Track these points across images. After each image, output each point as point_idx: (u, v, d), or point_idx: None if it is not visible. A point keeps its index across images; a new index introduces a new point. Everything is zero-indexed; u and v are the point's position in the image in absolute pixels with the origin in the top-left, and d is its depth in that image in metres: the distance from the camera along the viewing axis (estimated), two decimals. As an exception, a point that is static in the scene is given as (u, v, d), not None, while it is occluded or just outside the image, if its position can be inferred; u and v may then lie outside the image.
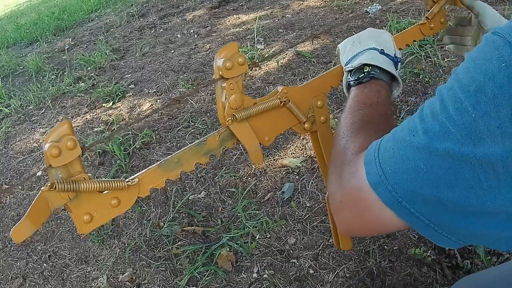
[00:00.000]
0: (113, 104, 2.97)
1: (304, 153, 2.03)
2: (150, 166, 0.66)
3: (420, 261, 1.44)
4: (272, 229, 1.69)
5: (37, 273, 1.83)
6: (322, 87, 0.81)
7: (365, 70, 0.75)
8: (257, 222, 1.72)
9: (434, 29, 0.96)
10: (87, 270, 1.77)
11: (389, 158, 0.48)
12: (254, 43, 3.26)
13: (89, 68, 3.75)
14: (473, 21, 0.96)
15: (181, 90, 2.90)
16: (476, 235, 0.46)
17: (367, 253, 1.50)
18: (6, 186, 2.43)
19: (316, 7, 3.83)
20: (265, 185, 1.92)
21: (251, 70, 0.80)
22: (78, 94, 3.26)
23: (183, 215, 1.88)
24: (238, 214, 1.79)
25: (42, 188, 0.55)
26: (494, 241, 0.47)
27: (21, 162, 2.61)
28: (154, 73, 3.29)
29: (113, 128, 2.63)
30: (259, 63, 0.75)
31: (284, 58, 2.92)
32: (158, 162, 0.66)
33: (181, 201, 1.93)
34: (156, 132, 2.47)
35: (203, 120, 2.46)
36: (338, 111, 2.26)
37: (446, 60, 2.45)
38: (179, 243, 1.74)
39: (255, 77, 2.77)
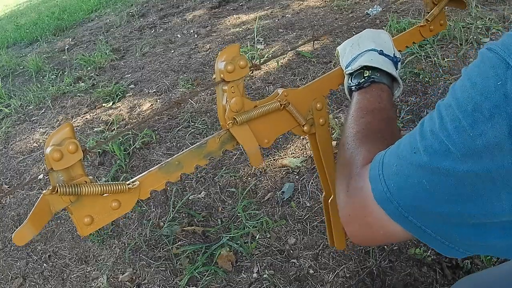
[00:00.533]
0: (113, 104, 2.97)
1: (304, 153, 2.03)
2: (151, 169, 0.66)
3: (420, 261, 1.44)
4: (272, 229, 1.69)
5: (37, 273, 1.83)
6: (321, 90, 0.81)
7: (365, 75, 0.75)
8: (257, 222, 1.73)
9: (434, 31, 0.96)
10: (87, 270, 1.77)
11: (393, 174, 0.50)
12: (254, 43, 3.26)
13: (89, 68, 3.75)
14: None
15: (181, 90, 2.90)
16: (482, 245, 0.47)
17: (367, 253, 1.51)
18: (6, 186, 2.43)
19: (316, 7, 3.83)
20: (265, 185, 1.92)
21: (252, 73, 0.80)
22: (78, 94, 3.27)
23: (183, 215, 1.88)
24: (238, 214, 1.79)
25: (44, 191, 0.56)
26: (500, 250, 0.48)
27: (21, 162, 2.61)
28: (154, 73, 3.30)
29: (113, 128, 2.63)
30: (260, 66, 0.75)
31: (284, 58, 2.92)
32: (159, 165, 0.67)
33: (181, 201, 1.93)
34: (156, 132, 2.47)
35: (203, 120, 2.47)
36: (338, 111, 2.26)
37: (446, 60, 2.45)
38: (179, 243, 1.74)
39: (255, 77, 2.78)
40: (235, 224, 1.77)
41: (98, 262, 1.79)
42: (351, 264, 1.49)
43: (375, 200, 0.51)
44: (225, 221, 1.80)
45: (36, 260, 1.89)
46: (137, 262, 1.72)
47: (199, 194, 1.97)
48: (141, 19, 5.01)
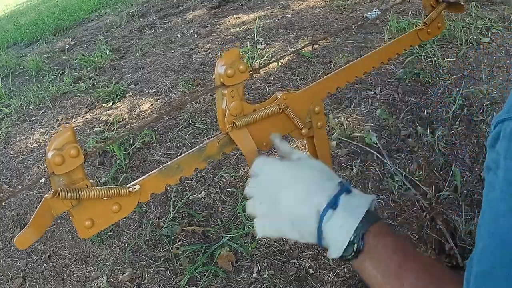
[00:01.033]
0: (113, 104, 2.98)
1: (304, 153, 2.04)
2: (151, 172, 0.67)
3: (419, 262, 1.45)
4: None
5: (37, 273, 1.84)
6: (319, 93, 0.81)
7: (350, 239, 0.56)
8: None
9: (432, 34, 0.97)
10: (87, 270, 1.78)
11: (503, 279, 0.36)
12: (254, 43, 3.26)
13: (89, 68, 3.75)
14: None
15: (181, 90, 2.90)
16: None
17: (366, 253, 1.51)
18: (6, 186, 2.44)
19: (316, 7, 3.83)
20: (265, 185, 1.92)
21: (252, 77, 0.80)
22: (78, 94, 3.27)
23: (183, 215, 1.89)
24: (238, 214, 1.80)
25: (45, 195, 0.56)
26: None
27: (21, 162, 2.61)
28: (154, 73, 3.30)
29: (113, 128, 2.64)
30: (259, 70, 0.76)
31: (284, 58, 2.92)
32: (159, 168, 0.67)
33: (181, 201, 1.93)
34: (156, 132, 2.48)
35: (203, 120, 2.47)
36: (338, 110, 2.27)
37: (446, 60, 2.46)
38: (179, 243, 1.75)
39: (255, 77, 2.78)
40: (235, 224, 1.77)
41: (98, 262, 1.80)
42: (351, 264, 1.49)
43: None
44: (225, 221, 1.80)
45: (36, 260, 1.90)
46: (137, 262, 1.73)
47: (199, 194, 1.98)
48: (141, 19, 5.01)
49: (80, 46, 4.57)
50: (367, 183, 1.81)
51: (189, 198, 1.96)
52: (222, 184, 1.99)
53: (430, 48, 2.57)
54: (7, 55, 4.87)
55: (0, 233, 2.13)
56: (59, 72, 3.86)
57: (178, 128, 2.47)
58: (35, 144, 2.77)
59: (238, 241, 1.68)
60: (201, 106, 2.62)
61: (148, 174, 0.67)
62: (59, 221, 2.06)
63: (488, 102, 2.09)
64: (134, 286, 1.65)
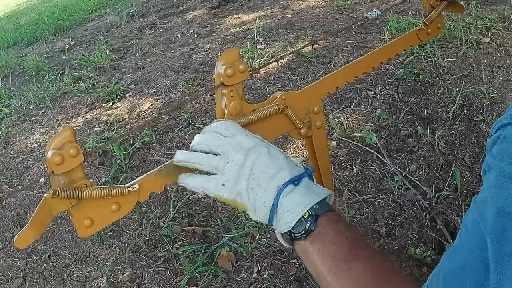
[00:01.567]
0: (113, 104, 2.98)
1: (304, 153, 2.04)
2: (150, 172, 0.67)
3: (420, 261, 1.45)
4: (272, 229, 1.70)
5: (37, 273, 1.84)
6: (319, 93, 0.82)
7: (304, 216, 0.58)
8: (257, 222, 1.73)
9: (431, 34, 0.97)
10: (87, 270, 1.78)
11: None
12: (254, 43, 3.26)
13: (89, 68, 3.75)
14: None
15: (181, 90, 2.90)
16: None
17: (366, 253, 1.51)
18: (6, 186, 2.44)
19: (316, 7, 3.83)
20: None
21: (252, 77, 0.80)
22: (78, 94, 3.27)
23: (183, 215, 1.89)
24: (238, 214, 1.80)
25: (45, 195, 0.56)
26: None
27: (21, 162, 2.61)
28: (154, 73, 3.30)
29: (113, 128, 2.64)
30: (259, 70, 0.76)
31: (284, 58, 2.92)
32: (158, 168, 0.67)
33: (181, 201, 1.93)
34: (156, 132, 2.48)
35: (203, 120, 2.47)
36: (338, 110, 2.27)
37: (446, 60, 2.46)
38: (179, 243, 1.75)
39: (255, 77, 2.78)
40: (235, 224, 1.77)
41: (98, 262, 1.80)
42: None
43: None
44: (225, 221, 1.80)
45: (36, 260, 1.90)
46: (137, 262, 1.73)
47: (199, 194, 1.97)
48: (141, 19, 5.01)
49: (80, 46, 4.57)
50: (367, 183, 1.81)
51: (189, 198, 1.96)
52: (222, 184, 1.99)
53: (430, 48, 2.56)
54: (7, 55, 4.87)
55: (0, 233, 2.13)
56: (59, 72, 3.86)
57: (178, 128, 2.47)
58: (35, 144, 2.78)
59: (238, 241, 1.68)
60: (201, 106, 2.62)
61: (147, 173, 0.67)
62: (59, 221, 2.06)
63: (488, 102, 2.09)
64: (134, 286, 1.65)
